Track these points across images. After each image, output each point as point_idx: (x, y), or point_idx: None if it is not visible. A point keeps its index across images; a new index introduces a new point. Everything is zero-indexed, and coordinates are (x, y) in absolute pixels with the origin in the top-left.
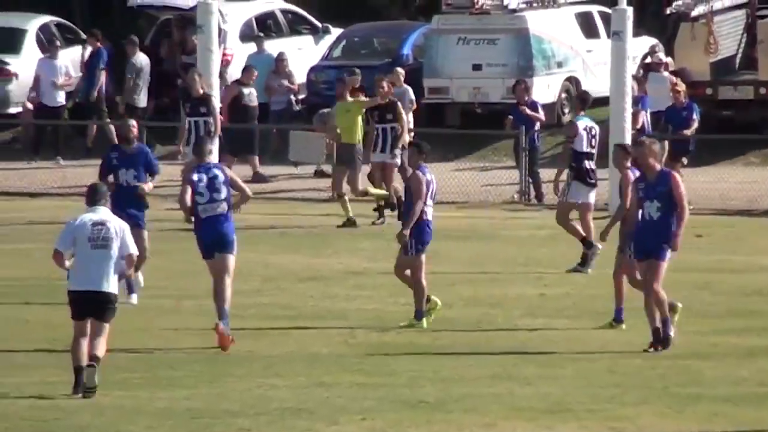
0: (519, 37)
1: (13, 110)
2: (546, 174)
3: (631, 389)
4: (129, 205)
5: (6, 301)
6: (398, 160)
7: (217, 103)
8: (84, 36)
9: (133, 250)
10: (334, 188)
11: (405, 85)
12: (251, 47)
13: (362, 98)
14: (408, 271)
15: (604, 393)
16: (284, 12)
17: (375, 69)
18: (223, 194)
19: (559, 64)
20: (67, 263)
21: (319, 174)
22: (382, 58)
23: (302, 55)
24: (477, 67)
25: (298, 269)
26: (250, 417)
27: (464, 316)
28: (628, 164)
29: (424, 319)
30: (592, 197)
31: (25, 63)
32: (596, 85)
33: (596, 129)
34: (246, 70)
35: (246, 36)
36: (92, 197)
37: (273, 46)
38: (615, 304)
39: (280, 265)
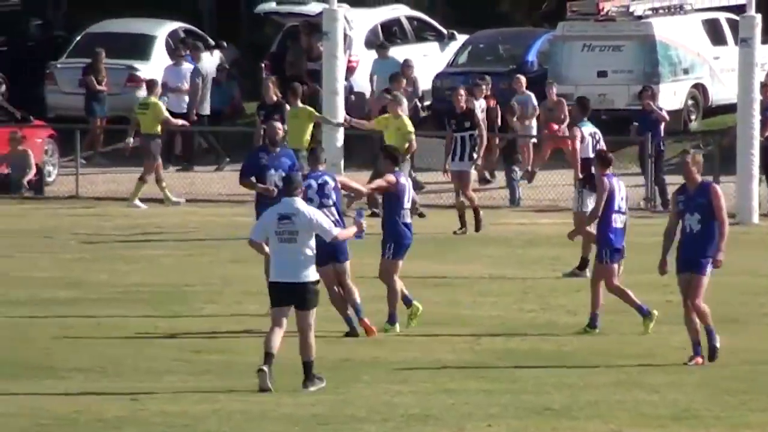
0: (645, 44)
1: None
2: (671, 180)
3: (759, 396)
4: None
5: (136, 308)
6: (472, 169)
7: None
8: (212, 42)
9: (335, 232)
10: None
11: (527, 92)
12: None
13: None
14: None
15: (732, 400)
16: (410, 19)
17: (500, 76)
18: (332, 200)
19: (686, 71)
20: (267, 248)
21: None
22: (506, 64)
23: (427, 61)
24: (602, 74)
25: (423, 275)
26: (376, 423)
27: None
28: (607, 171)
29: (397, 324)
30: None
31: (155, 70)
32: (724, 92)
33: (599, 134)
34: (394, 77)
35: (371, 42)
36: (288, 188)
37: (398, 53)
38: (590, 309)
39: (405, 271)
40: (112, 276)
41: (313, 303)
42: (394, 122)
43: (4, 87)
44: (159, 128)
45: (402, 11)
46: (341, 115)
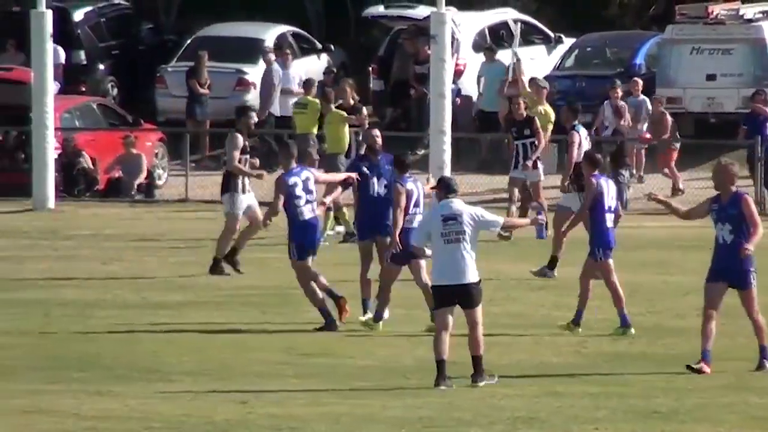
0: (755, 47)
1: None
2: None
3: None
4: (379, 213)
5: (245, 311)
6: (541, 175)
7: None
8: (319, 45)
9: (498, 218)
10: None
11: (642, 96)
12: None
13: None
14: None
15: None
16: (518, 22)
17: (607, 79)
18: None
19: None
20: (428, 251)
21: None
22: (614, 67)
23: (534, 64)
24: (711, 77)
25: (529, 278)
26: (482, 426)
27: (697, 326)
28: (595, 172)
29: (381, 323)
30: None
31: (263, 73)
32: None
33: (588, 137)
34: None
35: (479, 46)
36: (446, 189)
37: (505, 56)
38: (578, 306)
39: (511, 273)
40: (221, 279)
41: (478, 300)
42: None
43: (115, 90)
44: (316, 128)
45: (509, 14)
46: (449, 119)
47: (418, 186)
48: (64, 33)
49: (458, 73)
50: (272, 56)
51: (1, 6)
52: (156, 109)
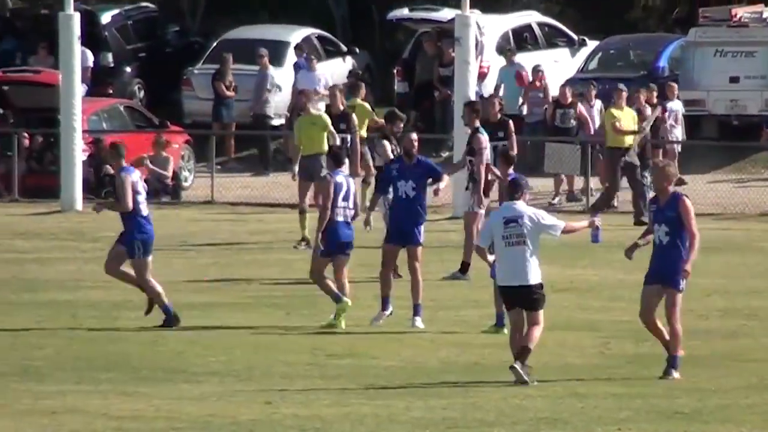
0: None
1: (276, 122)
2: None
3: None
4: (407, 217)
5: (270, 312)
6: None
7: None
8: (344, 48)
9: (559, 222)
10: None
11: (678, 100)
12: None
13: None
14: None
15: None
16: (541, 25)
17: (631, 81)
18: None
19: None
20: (490, 258)
21: None
22: (637, 70)
23: (558, 67)
24: (734, 80)
25: (553, 280)
26: (506, 426)
27: (720, 327)
28: (509, 170)
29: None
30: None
31: (289, 75)
32: None
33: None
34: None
35: (503, 48)
36: (512, 191)
37: (529, 59)
38: (496, 309)
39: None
40: (246, 280)
41: (540, 304)
42: None
43: (142, 93)
44: (364, 131)
45: (533, 17)
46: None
47: (348, 181)
48: (92, 35)
49: (482, 76)
50: (266, 60)
51: (30, 9)
52: (182, 111)
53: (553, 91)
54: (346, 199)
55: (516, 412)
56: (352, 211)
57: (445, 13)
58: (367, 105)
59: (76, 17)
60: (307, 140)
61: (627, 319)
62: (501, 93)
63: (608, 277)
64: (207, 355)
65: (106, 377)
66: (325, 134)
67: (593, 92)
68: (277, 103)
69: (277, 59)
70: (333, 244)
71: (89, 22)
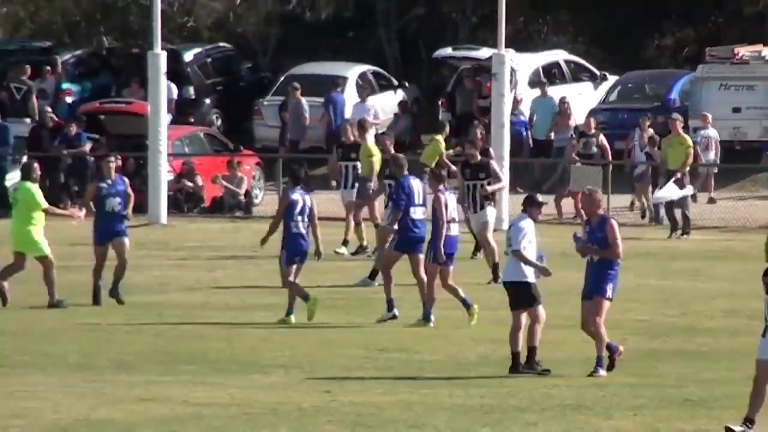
0: None
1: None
2: None
3: None
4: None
5: (331, 313)
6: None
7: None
8: (396, 83)
9: (517, 249)
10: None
11: (711, 127)
12: (539, 92)
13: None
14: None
15: None
16: (567, 62)
17: (646, 111)
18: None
19: None
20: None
21: None
22: (651, 102)
23: (582, 99)
24: (736, 110)
25: (575, 285)
26: (536, 412)
27: (725, 326)
28: (440, 188)
29: (292, 315)
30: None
31: (348, 105)
32: None
33: None
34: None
35: (534, 82)
36: (524, 203)
37: (557, 92)
38: (426, 305)
39: (558, 280)
40: (310, 284)
41: (524, 300)
42: None
43: (219, 121)
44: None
45: (561, 56)
46: (507, 146)
47: (304, 197)
48: (176, 71)
49: (518, 103)
50: (298, 92)
51: (124, 48)
52: (253, 137)
53: (578, 120)
54: (301, 213)
55: (545, 399)
56: (307, 224)
57: (484, 52)
58: (443, 142)
59: (163, 55)
60: (363, 164)
61: (643, 318)
62: (534, 121)
63: (627, 281)
64: (275, 350)
65: (187, 369)
66: (373, 159)
67: (647, 123)
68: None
69: (338, 93)
70: (291, 254)
71: (174, 60)
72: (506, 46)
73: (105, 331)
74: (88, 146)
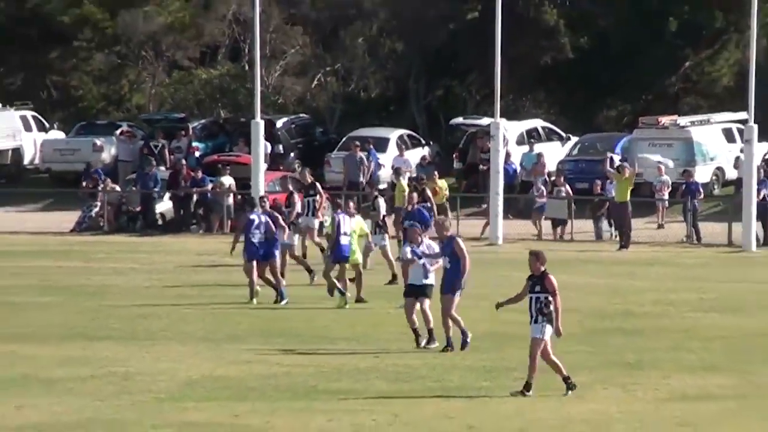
0: (687, 143)
1: (382, 186)
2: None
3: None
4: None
5: (386, 302)
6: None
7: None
8: (424, 142)
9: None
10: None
11: (664, 175)
12: (524, 148)
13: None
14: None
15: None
16: (543, 127)
17: (597, 162)
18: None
19: (712, 159)
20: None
21: None
22: (602, 155)
23: (554, 153)
24: (660, 161)
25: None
26: (522, 371)
27: (652, 311)
28: (339, 210)
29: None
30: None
31: (389, 159)
32: (733, 172)
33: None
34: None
35: (520, 141)
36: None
37: (535, 148)
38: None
39: (579, 284)
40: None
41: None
42: None
43: (300, 168)
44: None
45: (538, 123)
46: (501, 185)
47: (260, 216)
48: (270, 134)
49: (508, 156)
50: (357, 149)
51: (235, 118)
52: (324, 179)
53: (550, 167)
54: (257, 228)
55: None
56: (263, 236)
57: (485, 120)
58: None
59: (261, 123)
60: (397, 197)
61: (595, 306)
62: (519, 169)
63: (584, 280)
64: (341, 328)
65: (278, 341)
66: (404, 194)
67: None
68: (383, 177)
69: (382, 148)
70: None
71: (269, 126)
72: (500, 116)
73: (221, 313)
74: (209, 186)
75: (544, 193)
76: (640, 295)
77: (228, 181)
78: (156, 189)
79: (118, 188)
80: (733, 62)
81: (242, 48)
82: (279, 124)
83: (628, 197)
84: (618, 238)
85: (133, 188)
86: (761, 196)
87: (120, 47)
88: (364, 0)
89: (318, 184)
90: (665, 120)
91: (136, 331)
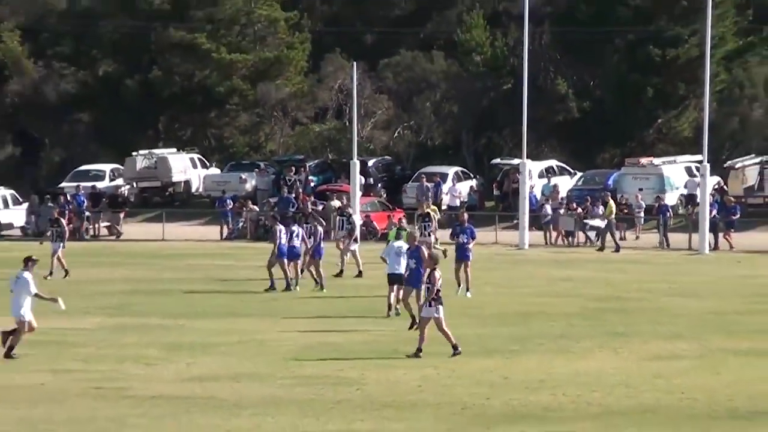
0: (659, 177)
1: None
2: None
3: None
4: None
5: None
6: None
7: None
8: (472, 176)
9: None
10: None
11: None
12: (543, 181)
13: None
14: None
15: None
16: (557, 165)
17: (595, 191)
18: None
19: (677, 188)
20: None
21: None
22: (599, 185)
23: (565, 184)
24: (640, 189)
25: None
26: (519, 341)
27: (637, 296)
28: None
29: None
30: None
31: (447, 188)
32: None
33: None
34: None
35: (540, 175)
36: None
37: (553, 180)
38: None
39: (583, 276)
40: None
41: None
42: None
43: (384, 194)
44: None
45: (554, 162)
46: (527, 206)
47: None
48: (364, 170)
49: (532, 186)
50: (424, 180)
51: (338, 159)
52: (402, 202)
53: (563, 193)
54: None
55: (520, 340)
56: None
57: (516, 161)
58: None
59: (357, 163)
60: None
61: (594, 293)
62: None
63: (583, 274)
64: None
65: (368, 319)
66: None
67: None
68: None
69: (444, 182)
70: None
71: (363, 165)
72: (526, 158)
73: (329, 298)
74: (320, 207)
75: (549, 211)
76: (626, 285)
77: (336, 203)
78: (292, 210)
79: (257, 209)
80: (692, 120)
81: (344, 109)
82: (370, 163)
83: (613, 216)
84: (600, 243)
85: (268, 209)
86: (713, 215)
87: (258, 109)
88: (431, 75)
89: (432, 214)
90: (644, 160)
91: (269, 310)
